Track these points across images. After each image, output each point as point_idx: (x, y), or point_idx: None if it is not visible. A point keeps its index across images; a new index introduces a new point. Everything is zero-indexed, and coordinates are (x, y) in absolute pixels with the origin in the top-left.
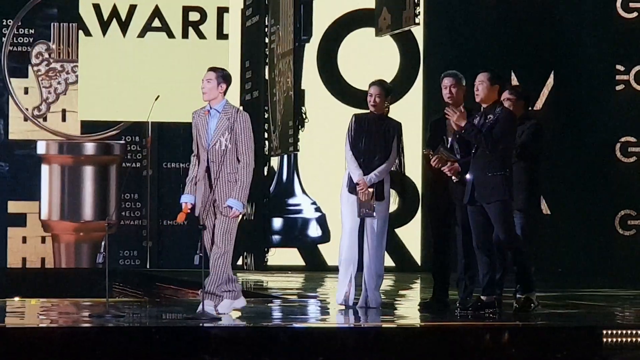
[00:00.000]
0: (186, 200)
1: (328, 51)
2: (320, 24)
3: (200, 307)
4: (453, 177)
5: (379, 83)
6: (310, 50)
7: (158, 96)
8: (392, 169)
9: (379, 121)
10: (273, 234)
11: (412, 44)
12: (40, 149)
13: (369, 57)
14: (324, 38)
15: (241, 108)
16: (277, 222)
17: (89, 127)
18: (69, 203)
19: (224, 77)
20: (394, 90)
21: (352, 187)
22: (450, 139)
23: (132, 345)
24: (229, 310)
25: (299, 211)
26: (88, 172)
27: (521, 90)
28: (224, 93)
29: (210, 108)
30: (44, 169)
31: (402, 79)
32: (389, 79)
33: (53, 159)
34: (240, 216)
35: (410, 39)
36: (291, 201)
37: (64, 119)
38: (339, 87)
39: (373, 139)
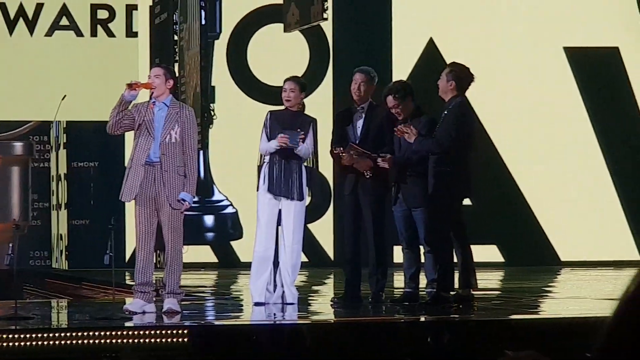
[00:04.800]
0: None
1: (237, 48)
2: (230, 20)
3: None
4: (365, 173)
5: (294, 78)
6: (220, 47)
7: (65, 95)
8: (306, 164)
9: (294, 117)
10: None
11: (322, 40)
12: None
13: (279, 53)
14: (234, 34)
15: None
16: (187, 220)
17: None
18: None
19: (171, 72)
20: (308, 86)
21: (271, 186)
22: (358, 132)
23: (41, 347)
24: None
25: (211, 208)
26: None
27: (402, 88)
28: (170, 89)
29: (156, 101)
30: None
31: (313, 74)
32: (299, 74)
33: None
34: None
35: (320, 35)
36: (200, 198)
37: None
38: (249, 83)
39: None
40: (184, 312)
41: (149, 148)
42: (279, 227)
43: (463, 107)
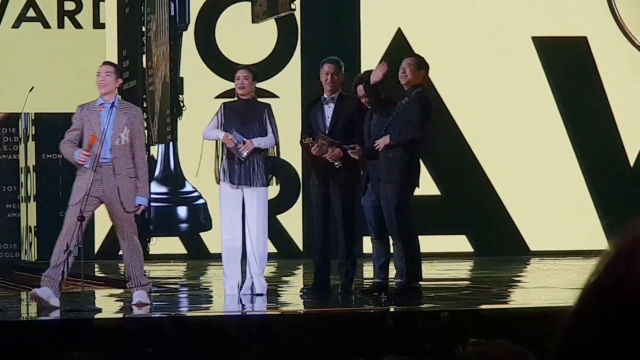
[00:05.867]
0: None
1: (205, 32)
2: (195, 8)
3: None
4: (335, 163)
5: (246, 67)
6: (188, 35)
7: (32, 87)
8: (270, 154)
9: (248, 106)
10: (153, 223)
11: (291, 28)
12: None
13: (248, 34)
14: (200, 19)
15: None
16: (159, 211)
17: None
18: None
19: (121, 71)
20: (259, 74)
21: (232, 176)
22: (328, 122)
23: (10, 341)
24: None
25: (180, 200)
26: None
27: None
28: (118, 88)
29: (104, 103)
30: None
31: (280, 59)
32: (266, 54)
33: None
34: None
35: (289, 21)
36: (172, 189)
37: None
38: (223, 67)
39: (246, 125)
40: (154, 303)
41: (97, 150)
42: (244, 218)
43: (427, 96)
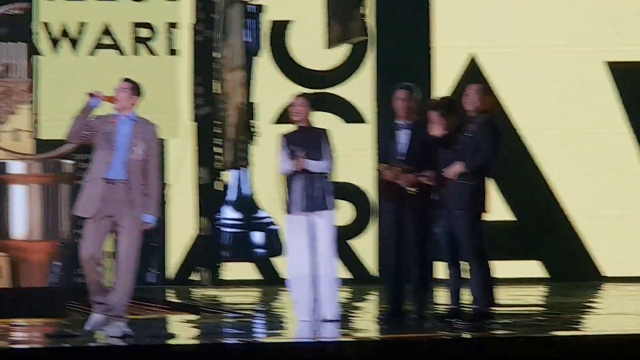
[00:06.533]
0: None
1: (279, 58)
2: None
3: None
4: (409, 189)
5: (303, 94)
6: (260, 62)
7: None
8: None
9: (306, 132)
10: (226, 249)
11: (362, 49)
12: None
13: (319, 61)
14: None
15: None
16: (232, 236)
17: (43, 146)
18: (20, 222)
19: (137, 89)
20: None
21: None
22: (403, 149)
23: None
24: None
25: (254, 225)
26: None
27: (447, 104)
28: (134, 105)
29: (119, 115)
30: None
31: (353, 81)
32: (341, 84)
33: (17, 180)
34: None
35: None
36: (243, 215)
37: (17, 139)
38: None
39: (308, 152)
40: (230, 329)
41: (109, 162)
42: (312, 244)
43: (494, 122)
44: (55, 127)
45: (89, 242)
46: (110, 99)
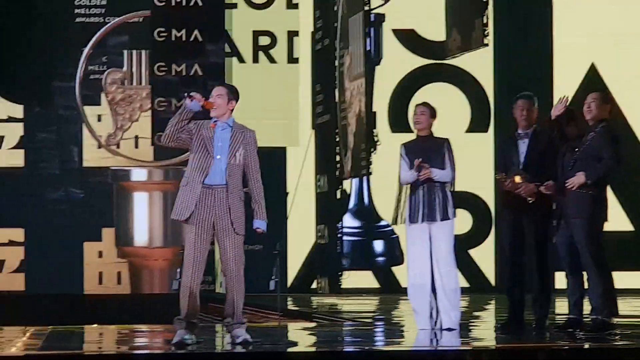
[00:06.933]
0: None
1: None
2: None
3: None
4: (528, 199)
5: (425, 103)
6: (380, 72)
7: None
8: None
9: (427, 142)
10: (347, 257)
11: (483, 65)
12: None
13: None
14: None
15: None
16: (353, 245)
17: (161, 152)
18: (141, 229)
19: (234, 93)
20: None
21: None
22: (522, 158)
23: None
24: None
25: (372, 234)
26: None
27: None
28: (232, 110)
29: (218, 121)
30: (133, 196)
31: (473, 90)
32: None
33: (138, 187)
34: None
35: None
36: (364, 224)
37: (136, 146)
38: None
39: (429, 161)
40: (350, 338)
41: (208, 167)
42: (432, 253)
43: (613, 129)
44: None
45: (197, 252)
46: (209, 104)
